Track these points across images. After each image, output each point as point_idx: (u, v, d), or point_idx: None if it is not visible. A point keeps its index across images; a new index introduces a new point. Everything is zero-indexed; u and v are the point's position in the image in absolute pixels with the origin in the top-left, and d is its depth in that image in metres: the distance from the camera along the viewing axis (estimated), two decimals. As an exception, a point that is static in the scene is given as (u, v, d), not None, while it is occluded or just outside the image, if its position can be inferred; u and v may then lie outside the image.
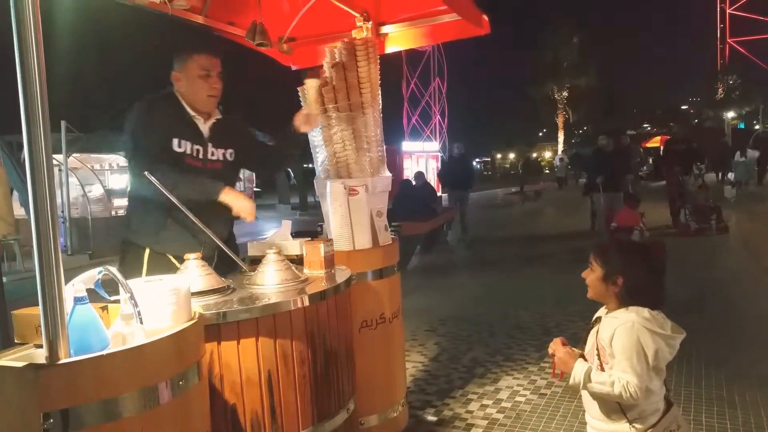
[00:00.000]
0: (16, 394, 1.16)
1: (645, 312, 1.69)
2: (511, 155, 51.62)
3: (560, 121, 39.79)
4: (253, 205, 2.36)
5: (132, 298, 1.36)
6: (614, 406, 1.73)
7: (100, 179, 12.40)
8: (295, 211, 19.24)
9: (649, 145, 37.29)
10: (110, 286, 1.51)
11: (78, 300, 1.30)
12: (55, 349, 1.18)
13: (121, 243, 2.49)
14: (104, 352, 1.24)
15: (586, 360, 1.77)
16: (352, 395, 2.32)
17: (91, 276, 1.39)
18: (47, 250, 1.16)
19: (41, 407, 1.15)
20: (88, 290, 1.38)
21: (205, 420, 1.54)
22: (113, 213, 11.96)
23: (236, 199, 2.31)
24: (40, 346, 1.36)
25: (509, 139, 49.24)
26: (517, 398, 3.49)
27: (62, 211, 10.48)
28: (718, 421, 3.07)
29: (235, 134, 2.56)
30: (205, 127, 2.43)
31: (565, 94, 38.88)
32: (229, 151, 2.52)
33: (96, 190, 12.13)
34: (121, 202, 12.73)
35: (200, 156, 2.41)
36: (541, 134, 50.97)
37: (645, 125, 50.73)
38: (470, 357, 4.26)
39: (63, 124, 10.32)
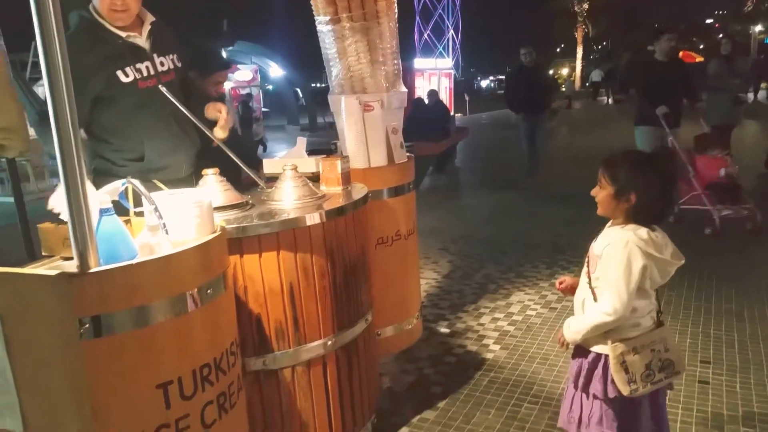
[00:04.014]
0: (52, 300, 1.19)
1: (644, 233, 1.65)
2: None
3: (579, 35, 38.18)
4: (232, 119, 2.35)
5: (157, 210, 1.37)
6: None
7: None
8: (305, 132, 19.06)
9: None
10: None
11: (104, 211, 1.31)
12: (86, 258, 1.20)
13: (94, 171, 2.25)
14: (133, 262, 1.27)
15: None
16: (370, 307, 2.39)
17: (115, 188, 1.40)
18: (71, 160, 1.16)
19: (75, 313, 1.19)
20: (113, 203, 1.39)
21: (232, 328, 1.60)
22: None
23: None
24: (68, 259, 1.39)
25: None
26: (528, 312, 3.58)
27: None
28: (726, 332, 3.15)
29: (171, 34, 2.34)
30: (142, 38, 2.17)
31: (585, 6, 37.08)
32: (173, 56, 2.30)
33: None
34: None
35: (151, 73, 2.18)
36: (558, 50, 49.08)
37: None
38: (483, 274, 4.34)
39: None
